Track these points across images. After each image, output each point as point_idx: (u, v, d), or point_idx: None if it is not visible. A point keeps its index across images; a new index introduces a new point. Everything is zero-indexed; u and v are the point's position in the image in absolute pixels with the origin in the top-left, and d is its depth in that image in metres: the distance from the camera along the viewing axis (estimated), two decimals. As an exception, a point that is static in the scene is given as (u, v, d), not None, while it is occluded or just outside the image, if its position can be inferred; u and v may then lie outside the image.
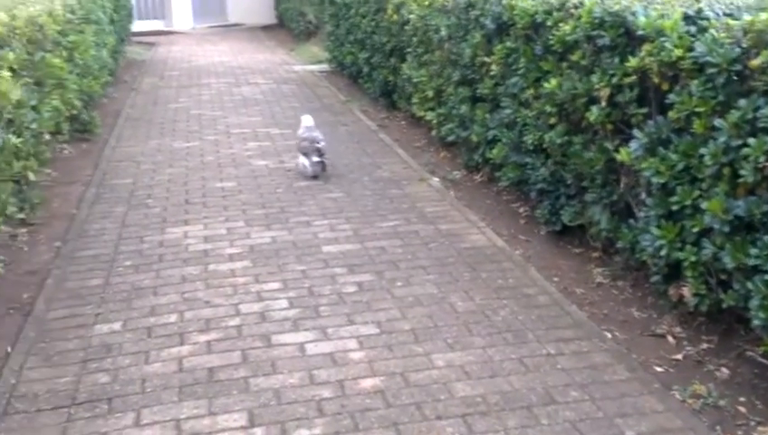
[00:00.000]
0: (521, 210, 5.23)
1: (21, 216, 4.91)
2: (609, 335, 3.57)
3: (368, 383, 3.15)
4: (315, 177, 6.00)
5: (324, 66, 11.86)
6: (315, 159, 6.00)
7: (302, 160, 6.08)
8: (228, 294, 4.02)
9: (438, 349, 3.42)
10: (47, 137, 6.00)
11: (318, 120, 7.46)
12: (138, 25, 16.31)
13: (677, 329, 3.57)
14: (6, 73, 4.64)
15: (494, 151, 5.28)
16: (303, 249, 4.61)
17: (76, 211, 5.38)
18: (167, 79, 11.22)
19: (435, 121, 6.65)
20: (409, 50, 7.32)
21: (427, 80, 6.77)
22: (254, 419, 2.93)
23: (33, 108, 5.30)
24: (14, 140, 4.57)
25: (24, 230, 4.94)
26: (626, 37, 3.79)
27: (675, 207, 3.38)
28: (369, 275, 4.23)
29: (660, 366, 3.31)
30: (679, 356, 3.37)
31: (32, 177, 5.00)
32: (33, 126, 5.21)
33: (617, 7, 3.82)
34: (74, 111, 6.91)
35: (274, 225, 5.04)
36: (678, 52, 3.30)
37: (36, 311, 3.85)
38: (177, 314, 3.80)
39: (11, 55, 4.84)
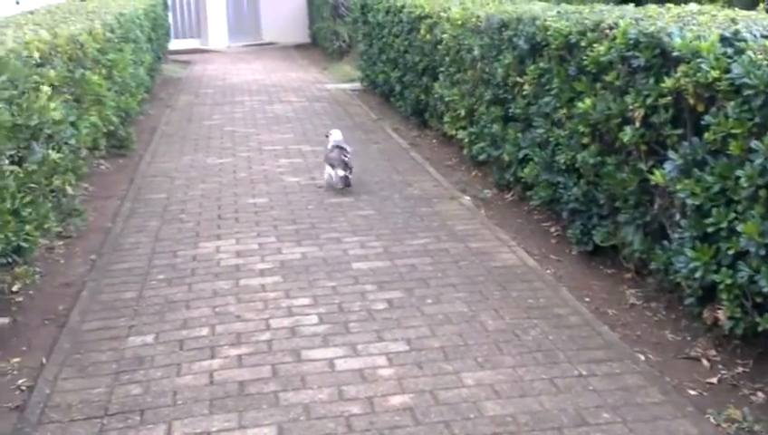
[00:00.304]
0: (552, 230, 5.20)
1: (58, 229, 5.00)
2: (642, 357, 3.52)
3: (397, 400, 3.15)
4: (341, 188, 6.09)
5: (356, 85, 11.95)
6: (341, 172, 6.09)
7: (330, 171, 6.19)
8: (259, 308, 4.05)
9: (468, 367, 3.41)
10: (85, 152, 6.11)
11: (349, 138, 7.51)
12: (174, 44, 16.60)
13: (712, 352, 3.52)
14: (47, 90, 4.75)
15: (526, 170, 5.27)
16: (334, 265, 4.64)
17: (111, 225, 5.47)
18: (201, 96, 11.39)
19: (466, 140, 6.66)
20: (442, 69, 7.36)
21: (459, 99, 6.79)
22: (284, 433, 2.94)
23: (72, 124, 5.40)
24: (53, 155, 4.67)
25: (60, 243, 5.04)
26: (661, 58, 3.77)
27: (710, 229, 3.34)
28: (399, 292, 4.23)
29: (694, 389, 3.26)
30: (714, 380, 3.32)
31: (69, 191, 5.10)
32: (72, 141, 5.31)
33: (652, 28, 3.81)
34: (111, 127, 7.04)
35: (305, 241, 5.08)
36: (715, 73, 3.28)
37: (71, 322, 3.92)
38: (209, 327, 3.84)
39: (52, 73, 4.95)
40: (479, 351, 3.56)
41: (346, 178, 6.08)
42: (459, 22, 6.79)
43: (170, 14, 15.84)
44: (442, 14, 7.41)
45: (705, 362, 3.47)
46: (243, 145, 8.05)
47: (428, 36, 7.74)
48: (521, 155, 5.48)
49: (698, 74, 3.37)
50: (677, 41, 3.56)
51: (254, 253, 4.87)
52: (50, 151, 4.68)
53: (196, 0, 18.48)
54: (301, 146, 7.93)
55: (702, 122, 3.43)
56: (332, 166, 6.16)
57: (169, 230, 5.33)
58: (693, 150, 3.49)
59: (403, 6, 8.85)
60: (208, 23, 18.42)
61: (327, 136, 6.64)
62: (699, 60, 3.38)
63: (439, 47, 7.37)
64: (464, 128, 6.77)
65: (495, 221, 5.46)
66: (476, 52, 6.20)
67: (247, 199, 6.06)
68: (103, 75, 6.85)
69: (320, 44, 17.43)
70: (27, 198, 4.07)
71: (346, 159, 6.14)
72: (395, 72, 9.27)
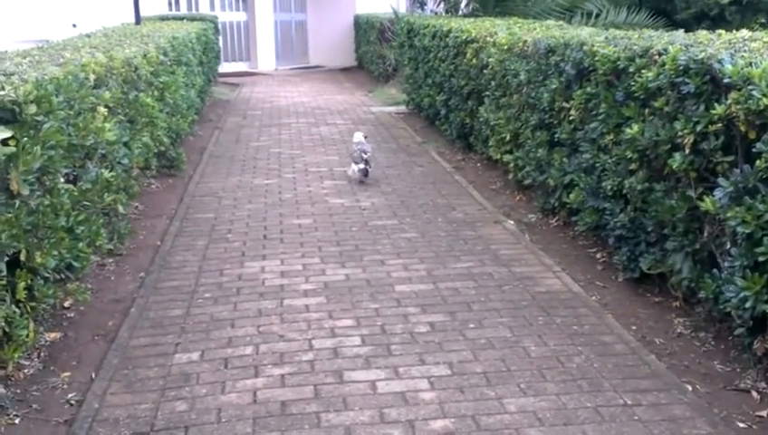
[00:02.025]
0: (598, 256, 5.14)
1: (109, 246, 5.12)
2: (690, 388, 3.45)
3: (438, 425, 3.14)
4: (360, 179, 7.28)
5: (402, 108, 12.03)
6: (360, 166, 7.26)
7: (353, 166, 7.38)
8: (302, 329, 4.09)
9: (511, 393, 3.38)
10: (136, 172, 6.27)
11: (394, 161, 7.56)
12: (224, 67, 16.96)
13: (762, 384, 3.43)
14: (103, 111, 4.89)
15: (572, 196, 5.23)
16: (377, 287, 4.65)
17: (160, 243, 5.58)
18: (249, 118, 11.58)
19: (511, 164, 6.65)
20: (487, 93, 7.37)
21: (505, 123, 6.79)
22: (325, 454, 2.95)
23: (125, 144, 5.55)
24: (106, 174, 4.80)
25: (111, 260, 5.16)
26: (711, 84, 3.73)
27: (761, 258, 3.27)
28: (441, 315, 4.23)
29: (743, 422, 3.18)
30: (764, 413, 3.23)
31: (121, 209, 5.21)
32: (125, 161, 5.45)
33: (702, 55, 3.77)
34: (162, 148, 7.20)
35: (349, 262, 5.11)
36: (767, 100, 3.23)
37: (120, 338, 4.00)
38: (253, 346, 3.88)
39: (107, 94, 5.10)
40: (522, 376, 3.53)
41: (365, 170, 7.27)
42: (505, 46, 6.81)
43: (221, 38, 16.19)
44: (488, 38, 7.44)
45: (754, 394, 3.38)
46: (288, 166, 8.15)
47: (474, 60, 7.78)
48: (566, 180, 5.45)
49: (750, 101, 3.32)
50: (728, 67, 3.52)
51: (298, 273, 4.92)
52: (103, 171, 4.82)
53: (245, 24, 18.87)
54: (346, 168, 8.00)
55: (753, 150, 3.38)
56: (355, 162, 7.33)
57: (216, 249, 5.42)
58: (744, 178, 3.43)
59: (449, 31, 8.91)
60: (257, 46, 18.79)
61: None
62: (751, 87, 3.34)
63: (485, 71, 7.39)
64: (509, 152, 6.76)
65: (540, 246, 5.43)
66: (522, 76, 6.20)
67: (292, 220, 6.13)
68: (156, 97, 7.03)
69: (366, 68, 17.62)
70: (81, 216, 4.19)
71: (366, 156, 7.32)
72: (440, 96, 9.32)
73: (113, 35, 8.21)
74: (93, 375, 3.62)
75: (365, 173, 7.27)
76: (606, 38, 5.08)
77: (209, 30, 13.34)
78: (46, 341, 3.92)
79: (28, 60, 4.96)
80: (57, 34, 8.64)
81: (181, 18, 13.55)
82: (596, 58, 4.82)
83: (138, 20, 11.12)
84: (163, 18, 13.37)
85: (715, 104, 3.60)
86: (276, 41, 19.27)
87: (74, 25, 12.11)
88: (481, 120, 7.57)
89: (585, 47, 5.09)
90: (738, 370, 3.59)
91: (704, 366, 3.67)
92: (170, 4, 17.25)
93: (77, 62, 5.12)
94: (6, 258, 3.42)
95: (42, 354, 3.79)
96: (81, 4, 13.52)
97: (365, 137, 7.76)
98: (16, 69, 4.31)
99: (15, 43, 7.38)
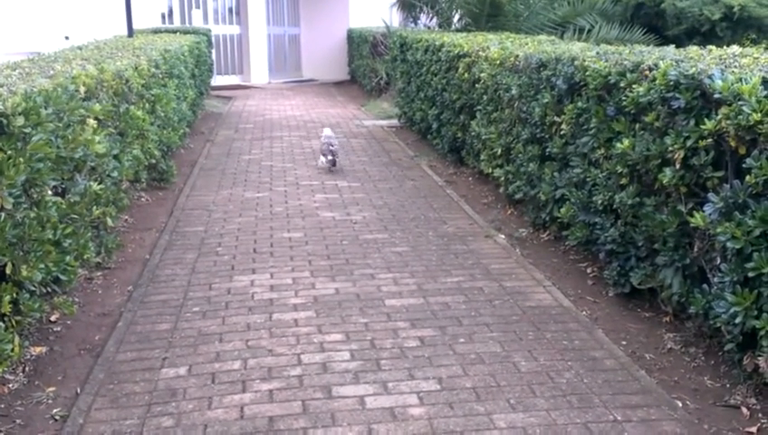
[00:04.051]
0: (588, 270, 5.13)
1: (97, 260, 5.08)
2: (680, 404, 3.43)
3: (427, 441, 3.11)
4: (328, 169, 8.47)
5: (394, 122, 12.04)
6: (328, 157, 8.48)
7: (321, 158, 8.64)
8: (291, 343, 4.05)
9: (500, 409, 3.36)
10: (126, 184, 6.23)
11: (386, 174, 7.55)
12: (217, 80, 16.96)
13: (752, 400, 3.42)
14: (93, 123, 4.87)
15: (562, 210, 5.23)
16: (367, 302, 4.63)
17: (149, 256, 5.54)
18: (241, 131, 11.57)
19: (502, 179, 6.65)
20: (479, 107, 7.38)
21: (496, 137, 6.79)
22: (312, 471, 2.91)
23: (115, 157, 5.52)
24: (95, 187, 4.77)
25: (99, 274, 5.12)
26: (702, 100, 3.74)
27: (751, 274, 3.27)
28: (431, 330, 4.20)
29: (734, 439, 3.16)
30: (753, 429, 3.22)
31: (110, 223, 5.18)
32: (114, 174, 5.42)
33: (693, 70, 3.78)
34: (153, 161, 7.18)
35: (339, 276, 5.09)
36: (756, 116, 3.24)
37: (106, 353, 3.96)
38: (241, 361, 3.84)
39: (97, 107, 5.08)
40: (512, 392, 3.50)
41: (332, 161, 8.49)
42: (497, 61, 6.83)
43: (214, 51, 16.20)
44: (481, 53, 7.46)
45: (744, 410, 3.37)
46: (280, 180, 8.14)
47: (466, 75, 7.80)
48: (557, 194, 5.45)
49: (740, 117, 3.33)
50: (719, 83, 3.52)
51: (288, 287, 4.89)
52: (92, 183, 4.79)
53: (239, 38, 18.90)
54: (337, 181, 7.99)
55: (743, 165, 3.38)
56: (323, 154, 8.57)
57: (205, 263, 5.38)
58: (734, 193, 3.43)
59: (442, 45, 8.94)
60: (250, 59, 18.80)
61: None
62: (741, 102, 3.35)
63: (477, 86, 7.40)
64: (500, 166, 6.76)
65: (531, 260, 5.41)
66: (514, 91, 6.22)
67: (283, 234, 6.10)
68: (147, 110, 7.01)
69: (358, 82, 17.66)
70: (68, 229, 4.15)
71: (332, 148, 8.51)
72: (432, 110, 9.33)
73: (105, 48, 8.19)
74: (79, 390, 3.57)
75: (333, 163, 8.49)
76: (597, 53, 5.10)
77: (202, 43, 13.35)
78: (31, 355, 3.88)
79: (18, 72, 4.94)
80: (49, 47, 8.62)
81: (174, 31, 13.56)
82: (587, 73, 4.83)
83: (130, 33, 11.13)
84: (156, 31, 13.37)
85: (706, 119, 3.61)
86: (269, 54, 19.30)
87: (67, 38, 12.10)
88: (473, 134, 7.57)
89: (576, 62, 5.11)
90: (728, 385, 3.58)
91: (694, 382, 3.65)
92: (164, 17, 17.27)
93: (67, 74, 5.10)
94: (-9, 271, 3.39)
95: (27, 369, 3.75)
96: (74, 17, 13.52)
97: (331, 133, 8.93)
98: (5, 81, 4.29)
99: (7, 55, 7.35)
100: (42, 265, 3.71)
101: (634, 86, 4.25)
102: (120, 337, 4.14)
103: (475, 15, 11.42)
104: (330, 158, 8.51)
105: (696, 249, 3.88)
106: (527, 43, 6.95)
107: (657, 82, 4.01)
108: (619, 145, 4.33)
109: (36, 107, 3.81)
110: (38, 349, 3.95)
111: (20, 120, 3.61)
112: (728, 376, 3.65)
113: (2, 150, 3.47)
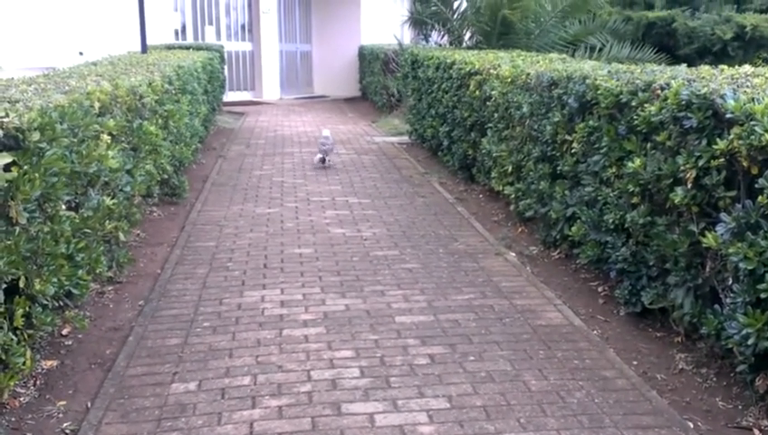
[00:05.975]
0: (599, 289, 5.12)
1: (109, 274, 5.11)
2: (692, 425, 3.41)
3: (437, 460, 3.09)
4: (319, 166, 9.72)
5: (405, 138, 12.07)
6: (319, 155, 9.74)
7: (318, 155, 9.83)
8: (301, 359, 4.05)
9: (510, 428, 3.34)
10: (139, 199, 6.27)
11: (396, 191, 7.56)
12: (229, 96, 17.07)
13: (764, 422, 3.39)
14: (107, 138, 4.91)
15: (573, 229, 5.22)
16: (377, 318, 4.63)
17: (160, 271, 5.56)
18: (252, 147, 11.63)
19: (513, 196, 6.65)
20: (490, 125, 7.40)
21: (507, 155, 6.81)
22: (322, 489, 2.90)
23: (128, 172, 5.56)
24: (108, 201, 4.80)
25: (110, 288, 5.14)
26: (714, 119, 3.74)
27: (763, 295, 3.25)
28: (441, 347, 4.19)
29: (747, 462, 3.13)
30: (768, 452, 3.19)
31: (122, 237, 5.20)
32: (127, 189, 5.46)
33: (705, 90, 3.79)
34: (165, 176, 7.22)
35: (349, 293, 5.09)
36: (768, 136, 3.23)
37: (117, 367, 3.97)
38: (251, 376, 3.85)
39: (111, 122, 5.12)
40: (522, 411, 3.49)
41: (322, 158, 9.73)
42: (509, 79, 6.85)
43: (226, 68, 16.31)
44: (492, 71, 7.49)
45: (756, 432, 3.34)
46: (291, 196, 8.17)
47: (477, 92, 7.82)
48: (568, 213, 5.45)
49: (752, 137, 3.33)
50: (731, 103, 3.52)
51: (298, 303, 4.90)
52: (105, 198, 4.82)
53: (251, 54, 19.04)
54: (348, 198, 8.01)
55: (756, 185, 3.37)
56: (319, 152, 9.78)
57: (216, 278, 5.40)
58: (746, 214, 3.42)
59: (453, 62, 8.98)
60: (262, 76, 18.92)
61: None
62: (753, 122, 3.35)
63: (488, 103, 7.43)
64: (511, 184, 6.77)
65: (541, 279, 5.40)
66: (525, 109, 6.23)
67: (293, 249, 6.12)
68: (160, 125, 7.06)
69: (370, 98, 17.74)
70: (81, 244, 4.18)
71: (323, 147, 9.73)
72: (443, 127, 9.36)
73: (119, 64, 8.27)
74: (89, 404, 3.58)
75: (322, 160, 9.72)
76: (609, 72, 5.11)
77: (215, 59, 13.45)
78: (43, 369, 3.89)
79: (33, 87, 4.99)
80: (64, 62, 8.70)
81: (188, 47, 13.67)
82: (599, 91, 4.84)
83: (144, 49, 11.22)
84: (170, 47, 13.48)
85: (718, 139, 3.61)
86: (281, 71, 19.42)
87: (81, 53, 12.21)
88: (483, 151, 7.59)
89: (588, 80, 5.12)
90: (740, 407, 3.55)
91: (705, 403, 3.63)
92: (177, 33, 17.41)
93: (82, 89, 5.15)
94: (5, 285, 3.41)
95: (38, 382, 3.76)
96: (89, 33, 13.64)
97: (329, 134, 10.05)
98: (22, 96, 4.33)
99: (22, 71, 7.43)
100: (54, 279, 3.73)
101: (646, 105, 4.26)
102: (130, 351, 4.15)
103: (487, 33, 11.47)
104: (319, 156, 9.70)
105: (707, 269, 3.87)
106: (538, 61, 6.98)
107: (668, 101, 4.01)
108: (630, 164, 4.33)
109: (52, 122, 3.85)
110: (49, 362, 3.97)
111: (36, 136, 3.64)
112: (740, 397, 3.62)
113: (18, 165, 3.50)
